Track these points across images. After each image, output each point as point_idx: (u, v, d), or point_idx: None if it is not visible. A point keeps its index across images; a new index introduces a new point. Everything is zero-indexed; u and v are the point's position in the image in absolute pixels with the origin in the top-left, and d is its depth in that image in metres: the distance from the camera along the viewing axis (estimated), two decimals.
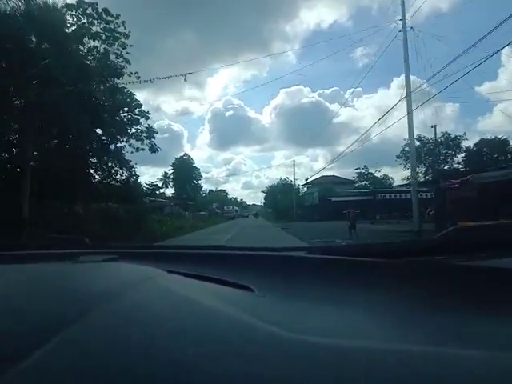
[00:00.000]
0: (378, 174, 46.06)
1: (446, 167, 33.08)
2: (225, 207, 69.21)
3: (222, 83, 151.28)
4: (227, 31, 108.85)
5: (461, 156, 35.65)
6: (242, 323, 0.41)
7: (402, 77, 13.52)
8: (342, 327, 0.47)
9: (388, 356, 0.36)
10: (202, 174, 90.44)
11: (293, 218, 37.52)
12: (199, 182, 60.50)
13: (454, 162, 35.26)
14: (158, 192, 44.31)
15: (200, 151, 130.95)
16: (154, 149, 15.38)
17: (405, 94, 13.04)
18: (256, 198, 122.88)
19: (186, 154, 60.58)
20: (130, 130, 14.78)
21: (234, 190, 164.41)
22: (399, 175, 68.45)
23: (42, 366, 0.32)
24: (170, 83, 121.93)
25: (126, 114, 14.63)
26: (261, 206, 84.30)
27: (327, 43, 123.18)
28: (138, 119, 14.91)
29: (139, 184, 18.28)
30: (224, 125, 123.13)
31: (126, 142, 14.72)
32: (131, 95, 14.75)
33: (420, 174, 31.22)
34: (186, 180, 55.42)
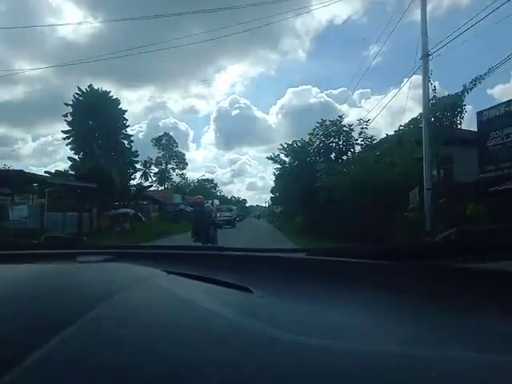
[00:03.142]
0: None
1: None
2: (213, 203, 42.85)
3: (229, 81, 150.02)
4: (235, 27, 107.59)
5: None
6: (241, 324, 0.41)
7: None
8: (341, 329, 0.47)
9: (389, 359, 0.36)
10: (206, 174, 78.59)
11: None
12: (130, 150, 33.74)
13: None
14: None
15: (205, 151, 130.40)
16: None
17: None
18: (260, 200, 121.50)
19: (106, 93, 33.77)
20: None
21: (239, 190, 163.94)
22: None
23: (39, 368, 0.32)
24: (176, 79, 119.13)
25: None
26: (265, 207, 75.44)
27: (338, 41, 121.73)
28: None
29: None
30: (230, 124, 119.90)
31: None
32: None
33: None
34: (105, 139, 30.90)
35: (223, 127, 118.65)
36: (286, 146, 19.52)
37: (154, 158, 55.17)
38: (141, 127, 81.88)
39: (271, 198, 55.44)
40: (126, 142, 34.83)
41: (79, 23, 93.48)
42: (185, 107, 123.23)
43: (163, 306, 0.46)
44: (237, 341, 0.38)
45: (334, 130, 17.02)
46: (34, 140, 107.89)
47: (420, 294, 0.61)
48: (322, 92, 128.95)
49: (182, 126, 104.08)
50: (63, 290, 0.49)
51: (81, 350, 0.34)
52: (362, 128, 16.59)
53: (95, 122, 32.56)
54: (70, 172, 27.16)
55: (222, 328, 0.40)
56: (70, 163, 31.55)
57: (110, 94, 34.99)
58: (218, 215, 28.37)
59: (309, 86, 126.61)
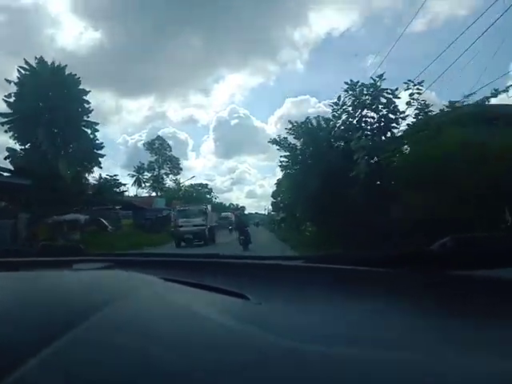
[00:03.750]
0: None
1: None
2: (222, 213, 46.68)
3: (228, 90, 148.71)
4: (234, 37, 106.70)
5: None
6: (238, 331, 0.41)
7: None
8: (338, 336, 0.46)
9: (387, 365, 0.36)
10: (206, 182, 71.85)
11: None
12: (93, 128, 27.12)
13: None
14: None
15: (204, 159, 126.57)
16: None
17: None
18: (259, 207, 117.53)
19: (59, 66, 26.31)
20: None
21: (238, 198, 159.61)
22: None
23: (37, 375, 0.32)
24: (176, 89, 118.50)
25: None
26: (264, 215, 72.04)
27: (336, 52, 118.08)
28: None
29: None
30: (229, 133, 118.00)
31: None
32: None
33: None
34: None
35: (222, 136, 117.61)
36: (295, 125, 13.40)
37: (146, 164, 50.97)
38: (140, 136, 79.71)
39: (272, 203, 49.82)
40: (89, 130, 27.37)
41: (80, 33, 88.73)
42: (184, 117, 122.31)
43: (160, 313, 0.47)
44: (234, 348, 0.38)
45: (369, 98, 11.09)
46: None
47: (416, 301, 0.61)
48: (319, 102, 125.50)
49: (182, 135, 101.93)
50: (60, 298, 0.49)
51: (78, 357, 0.34)
52: (411, 95, 10.59)
53: (46, 103, 24.65)
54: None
55: (219, 335, 0.41)
56: (8, 154, 23.73)
57: (69, 72, 26.54)
58: (179, 224, 18.67)
59: (307, 96, 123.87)
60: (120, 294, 0.49)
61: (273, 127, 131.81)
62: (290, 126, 13.45)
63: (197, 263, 0.94)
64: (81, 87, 26.50)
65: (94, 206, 20.67)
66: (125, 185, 34.52)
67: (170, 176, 53.33)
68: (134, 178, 49.48)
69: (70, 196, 16.83)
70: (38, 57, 26.03)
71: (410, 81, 10.65)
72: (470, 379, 0.35)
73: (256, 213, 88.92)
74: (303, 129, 13.26)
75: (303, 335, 0.44)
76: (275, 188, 42.71)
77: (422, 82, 10.64)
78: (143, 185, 50.71)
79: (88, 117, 27.21)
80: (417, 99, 10.42)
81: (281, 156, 14.53)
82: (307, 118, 13.66)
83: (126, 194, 33.31)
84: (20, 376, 0.31)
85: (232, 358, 0.36)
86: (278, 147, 13.80)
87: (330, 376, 0.34)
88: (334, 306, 0.60)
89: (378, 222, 8.49)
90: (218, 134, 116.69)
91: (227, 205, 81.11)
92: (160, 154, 53.10)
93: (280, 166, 15.28)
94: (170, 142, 57.90)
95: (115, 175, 34.79)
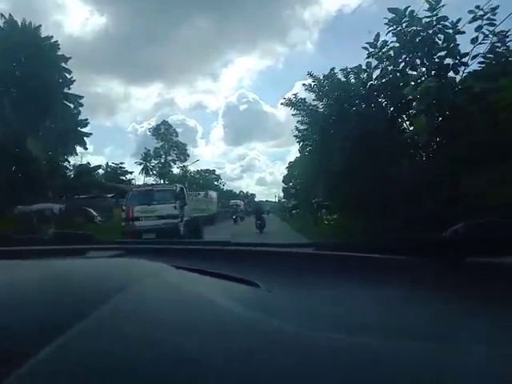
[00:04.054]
0: None
1: None
2: (231, 200, 47.01)
3: (236, 75, 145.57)
4: (242, 20, 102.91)
5: None
6: (248, 318, 0.42)
7: None
8: (348, 324, 0.46)
9: (397, 353, 0.37)
10: (216, 169, 68.24)
11: None
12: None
13: None
14: None
15: (213, 147, 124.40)
16: None
17: None
18: (270, 195, 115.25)
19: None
20: None
21: (248, 186, 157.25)
22: None
23: (49, 364, 0.32)
24: (184, 74, 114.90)
25: None
26: (275, 202, 69.95)
27: (348, 30, 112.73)
28: None
29: None
30: (238, 119, 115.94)
31: None
32: None
33: None
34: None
35: (232, 122, 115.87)
36: (318, 79, 9.39)
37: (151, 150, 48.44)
38: (149, 124, 77.47)
39: (283, 189, 46.55)
40: (71, 105, 22.80)
41: (86, 19, 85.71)
42: (192, 103, 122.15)
43: (171, 300, 0.47)
44: (244, 334, 0.39)
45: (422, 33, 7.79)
46: None
47: (427, 288, 0.61)
48: None
49: (191, 122, 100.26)
50: (72, 286, 0.49)
51: (90, 346, 0.35)
52: (478, 28, 7.38)
53: (15, 69, 20.17)
54: None
55: (230, 321, 0.41)
56: None
57: (46, 34, 21.89)
58: (134, 215, 11.36)
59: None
60: (131, 281, 0.49)
61: (282, 112, 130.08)
62: (311, 81, 9.42)
63: (208, 251, 0.96)
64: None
65: (78, 195, 17.63)
66: (131, 173, 32.12)
67: (177, 163, 50.27)
68: (142, 166, 46.92)
69: (44, 182, 13.72)
70: (5, 15, 21.44)
71: (478, 8, 7.38)
72: (485, 368, 0.35)
73: (267, 200, 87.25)
74: (328, 84, 9.24)
75: (313, 322, 0.44)
76: (286, 172, 39.52)
77: (497, 8, 7.36)
78: (150, 172, 48.13)
79: (69, 88, 22.95)
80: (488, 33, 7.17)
81: (297, 122, 10.53)
82: (332, 69, 9.41)
83: (133, 182, 30.74)
84: (32, 365, 0.31)
85: (242, 344, 0.37)
86: (293, 112, 10.05)
87: (339, 363, 0.35)
88: (344, 294, 0.60)
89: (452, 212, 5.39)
90: (227, 120, 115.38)
91: (237, 192, 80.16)
92: (166, 140, 50.13)
93: (296, 137, 10.92)
94: (180, 130, 55.07)
95: (121, 163, 32.36)
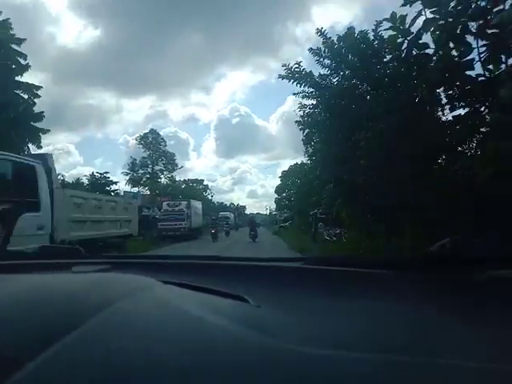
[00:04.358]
0: None
1: None
2: (220, 212, 44.70)
3: (229, 88, 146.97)
4: (235, 34, 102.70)
5: None
6: (237, 334, 0.41)
7: None
8: (337, 339, 0.46)
9: (385, 368, 0.37)
10: (208, 182, 65.78)
11: None
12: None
13: None
14: None
15: (205, 159, 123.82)
16: None
17: None
18: (261, 208, 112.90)
19: None
20: None
21: (239, 198, 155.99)
22: None
23: (37, 378, 0.32)
24: (177, 88, 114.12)
25: None
26: (265, 215, 68.57)
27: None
28: None
29: None
30: (230, 132, 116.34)
31: None
32: None
33: None
34: None
35: (224, 135, 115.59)
36: (329, 40, 6.79)
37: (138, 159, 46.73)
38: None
39: (276, 200, 43.78)
40: (26, 96, 18.72)
41: (79, 32, 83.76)
42: (185, 116, 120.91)
43: (159, 316, 0.46)
44: (232, 350, 0.38)
45: None
46: None
47: (416, 303, 0.60)
48: None
49: (183, 134, 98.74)
50: (60, 300, 0.48)
51: (78, 360, 0.35)
52: None
53: None
54: None
55: (218, 338, 0.41)
56: None
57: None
58: None
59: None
60: (119, 296, 0.49)
61: (274, 125, 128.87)
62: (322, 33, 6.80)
63: (196, 265, 0.95)
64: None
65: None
66: (116, 183, 29.72)
67: (165, 173, 47.83)
68: (128, 177, 44.60)
69: None
70: None
71: None
72: (471, 382, 0.35)
73: (258, 213, 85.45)
74: (350, 45, 6.55)
75: (302, 338, 0.44)
76: (279, 182, 37.12)
77: None
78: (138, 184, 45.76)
79: (22, 76, 18.64)
80: None
81: (299, 105, 8.01)
82: (350, 28, 6.99)
83: (118, 192, 28.38)
84: (20, 379, 0.31)
85: (230, 360, 0.36)
86: (294, 85, 7.09)
87: (329, 379, 0.35)
88: (333, 309, 0.59)
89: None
90: (219, 132, 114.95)
91: (228, 205, 78.75)
92: (154, 150, 47.72)
93: (297, 123, 8.31)
94: (172, 142, 54.30)
95: (105, 172, 30.30)
